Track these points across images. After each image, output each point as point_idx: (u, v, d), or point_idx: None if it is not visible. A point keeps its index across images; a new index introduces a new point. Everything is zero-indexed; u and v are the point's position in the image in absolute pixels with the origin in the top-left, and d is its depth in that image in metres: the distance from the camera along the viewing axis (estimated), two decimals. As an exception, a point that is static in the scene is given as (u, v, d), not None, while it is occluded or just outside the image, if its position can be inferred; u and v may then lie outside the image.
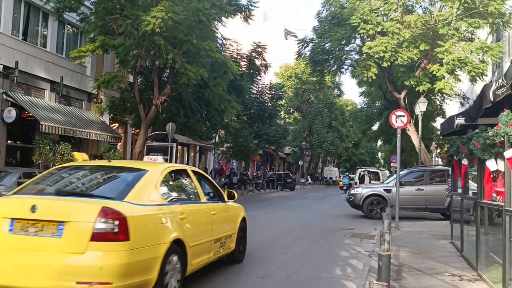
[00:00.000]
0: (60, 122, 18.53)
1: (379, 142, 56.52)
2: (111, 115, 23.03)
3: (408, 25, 21.76)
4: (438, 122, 28.46)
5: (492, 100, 5.45)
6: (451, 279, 7.05)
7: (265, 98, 36.34)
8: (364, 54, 22.70)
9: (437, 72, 21.45)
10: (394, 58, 21.54)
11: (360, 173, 30.22)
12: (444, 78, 22.22)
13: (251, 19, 22.90)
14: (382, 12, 22.93)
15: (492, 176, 6.50)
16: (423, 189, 16.54)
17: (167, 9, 15.48)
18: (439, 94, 27.42)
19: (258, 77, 33.90)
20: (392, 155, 37.96)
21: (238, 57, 31.09)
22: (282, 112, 48.07)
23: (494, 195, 6.52)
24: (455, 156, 8.87)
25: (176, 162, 22.28)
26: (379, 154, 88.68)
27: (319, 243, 11.07)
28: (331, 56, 26.13)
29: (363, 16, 21.96)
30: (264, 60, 32.54)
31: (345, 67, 27.44)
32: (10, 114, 17.27)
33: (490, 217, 7.29)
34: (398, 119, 13.62)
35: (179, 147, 23.26)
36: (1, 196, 7.36)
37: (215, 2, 18.08)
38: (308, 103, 53.86)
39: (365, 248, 10.22)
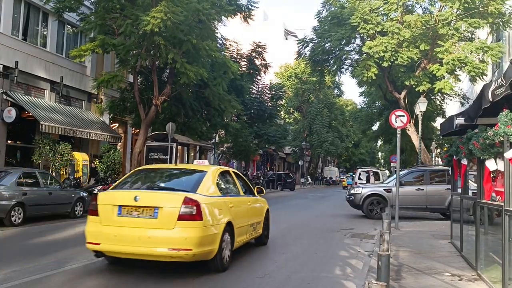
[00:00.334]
0: (60, 122, 18.53)
1: (379, 142, 56.53)
2: (111, 115, 23.04)
3: (408, 25, 21.77)
4: (438, 122, 28.45)
5: (491, 100, 5.44)
6: (451, 279, 7.05)
7: (265, 98, 36.37)
8: (364, 54, 22.72)
9: (437, 72, 21.47)
10: (394, 58, 21.56)
11: (360, 173, 30.21)
12: (444, 78, 22.24)
13: (251, 19, 22.89)
14: (382, 12, 22.95)
15: (491, 176, 6.51)
16: (423, 189, 16.53)
17: (166, 9, 15.48)
18: (439, 94, 27.44)
19: (258, 77, 33.93)
20: (392, 155, 37.97)
21: (238, 57, 31.12)
22: (282, 112, 48.09)
23: (493, 195, 6.52)
24: (454, 156, 8.87)
25: (176, 162, 22.28)
26: (379, 154, 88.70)
27: (319, 243, 11.07)
28: (331, 56, 26.16)
29: (363, 16, 21.98)
30: (264, 60, 32.56)
31: (345, 67, 27.49)
32: (10, 114, 17.28)
33: (490, 217, 7.29)
34: (398, 119, 13.62)
35: (179, 147, 23.23)
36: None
37: (215, 2, 18.07)
38: (308, 103, 53.85)
39: (365, 248, 10.22)
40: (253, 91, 34.36)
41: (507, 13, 20.82)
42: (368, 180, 27.79)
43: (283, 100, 42.65)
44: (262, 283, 6.82)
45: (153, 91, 19.90)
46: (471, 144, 6.64)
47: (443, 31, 20.88)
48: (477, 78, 21.27)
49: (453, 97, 29.65)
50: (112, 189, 7.74)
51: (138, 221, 6.72)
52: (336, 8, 24.76)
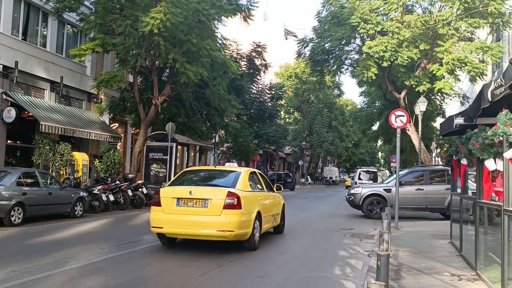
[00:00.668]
0: (60, 122, 18.54)
1: (379, 142, 56.51)
2: (111, 115, 23.05)
3: (408, 25, 21.78)
4: (438, 122, 28.43)
5: (490, 100, 5.44)
6: (450, 278, 7.05)
7: (265, 98, 36.40)
8: (364, 54, 22.72)
9: (437, 72, 21.47)
10: (394, 57, 21.57)
11: (359, 173, 30.15)
12: (444, 78, 22.24)
13: (250, 19, 22.93)
14: (382, 12, 22.97)
15: (491, 176, 6.51)
16: (423, 189, 16.53)
17: (165, 10, 15.48)
18: (439, 94, 27.45)
19: (258, 77, 33.97)
20: (392, 155, 37.97)
21: (238, 57, 31.16)
22: (282, 112, 48.10)
23: (493, 195, 6.52)
24: (454, 156, 8.87)
25: (176, 162, 22.29)
26: (379, 154, 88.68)
27: (318, 242, 11.07)
28: (331, 56, 26.17)
29: (363, 15, 21.99)
30: (264, 60, 32.59)
31: (345, 67, 27.52)
32: (10, 114, 17.28)
33: (489, 216, 7.29)
34: (398, 119, 13.62)
35: (179, 147, 23.25)
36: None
37: (215, 2, 18.10)
38: (308, 103, 53.85)
39: (365, 248, 10.22)
40: (253, 91, 34.39)
41: (507, 13, 20.83)
42: (375, 180, 27.61)
43: (283, 100, 42.67)
44: (262, 283, 6.81)
45: (153, 91, 19.93)
46: (470, 144, 6.64)
47: (443, 31, 20.89)
48: (477, 78, 21.27)
49: (453, 97, 29.65)
50: (169, 185, 9.81)
51: (193, 210, 8.75)
52: (336, 8, 24.77)
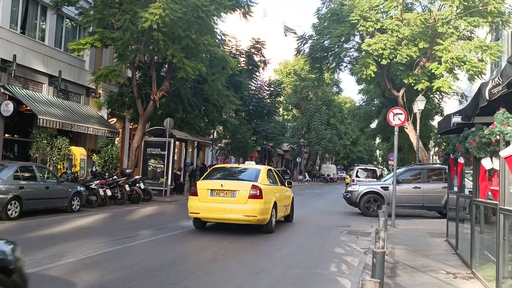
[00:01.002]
0: (58, 116, 18.50)
1: (377, 140, 56.54)
2: (109, 109, 23.01)
3: (408, 23, 21.77)
4: (436, 120, 28.45)
5: (488, 98, 5.44)
6: (445, 276, 7.07)
7: (264, 94, 36.37)
8: (363, 52, 22.69)
9: (435, 70, 21.47)
10: (393, 55, 21.56)
11: (357, 171, 30.12)
12: (442, 77, 22.23)
13: (250, 15, 22.83)
14: (382, 10, 22.93)
15: (487, 174, 6.52)
16: (420, 187, 16.55)
17: (164, 5, 15.44)
18: (437, 92, 27.46)
19: (257, 73, 33.94)
20: (390, 153, 38.00)
21: (237, 53, 31.11)
22: (280, 109, 48.07)
23: (489, 193, 6.53)
24: (451, 155, 8.88)
25: (173, 157, 22.27)
26: (377, 152, 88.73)
27: (315, 239, 11.09)
28: (330, 53, 26.14)
29: (362, 13, 21.96)
30: (263, 56, 32.55)
31: (344, 64, 27.50)
32: (8, 108, 17.23)
33: (485, 215, 7.30)
34: (396, 117, 13.63)
35: (177, 142, 23.24)
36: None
37: (215, -2, 18.07)
38: (307, 100, 53.83)
39: (361, 245, 10.24)
40: (251, 88, 34.36)
41: (507, 12, 20.81)
42: (376, 177, 27.55)
43: (282, 96, 42.63)
44: (257, 278, 6.83)
45: (152, 86, 19.90)
46: (467, 142, 6.65)
47: (443, 29, 20.87)
48: (476, 77, 21.26)
49: (451, 95, 29.68)
50: (202, 179, 11.88)
51: (224, 199, 10.82)
52: (335, 5, 24.74)
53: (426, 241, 10.80)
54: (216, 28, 21.37)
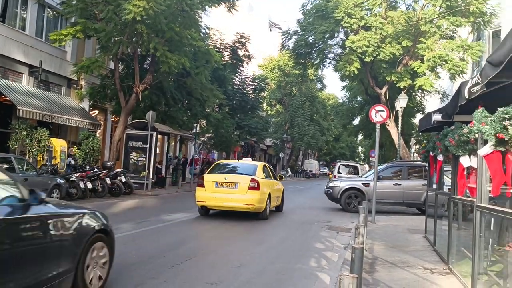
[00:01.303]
0: (38, 107, 18.22)
1: (360, 137, 56.88)
2: (91, 101, 22.73)
3: (392, 21, 21.93)
4: (418, 118, 28.76)
5: (467, 97, 5.51)
6: (423, 272, 7.18)
7: (248, 89, 36.29)
8: (347, 48, 22.81)
9: (418, 68, 21.69)
10: (377, 53, 21.71)
11: (339, 167, 30.30)
12: (425, 75, 22.48)
13: (235, 9, 22.73)
14: (366, 7, 23.07)
15: (465, 172, 6.61)
16: (400, 184, 16.72)
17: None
18: (419, 90, 27.73)
19: (241, 68, 33.86)
20: (371, 150, 38.29)
21: (221, 47, 30.99)
22: (264, 104, 48.06)
23: (467, 191, 6.63)
24: (431, 152, 8.99)
25: (156, 151, 22.14)
26: (360, 148, 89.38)
27: (295, 234, 11.14)
28: (314, 49, 26.21)
29: (347, 10, 22.07)
30: (247, 51, 32.49)
31: (328, 60, 27.59)
32: (-14, 98, 16.91)
33: (463, 212, 7.42)
34: (378, 114, 13.74)
35: (159, 136, 23.07)
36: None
37: (199, -9, 17.94)
38: (291, 96, 53.92)
39: (341, 241, 10.32)
40: (235, 82, 34.27)
41: (488, 13, 21.09)
42: (356, 173, 27.77)
43: (266, 92, 42.62)
44: (237, 273, 6.84)
45: (134, 79, 19.73)
46: (447, 140, 6.74)
47: (425, 28, 21.08)
48: (457, 76, 21.55)
49: (433, 94, 30.02)
50: (207, 173, 13.50)
51: (227, 190, 12.57)
52: (320, 1, 24.80)
53: (405, 237, 10.94)
54: (201, 22, 21.28)
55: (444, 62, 20.85)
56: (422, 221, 11.70)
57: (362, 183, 17.24)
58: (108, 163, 18.36)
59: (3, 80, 17.98)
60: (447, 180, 9.84)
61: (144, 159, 20.94)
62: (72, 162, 18.60)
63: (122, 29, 17.89)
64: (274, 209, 14.73)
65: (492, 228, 6.18)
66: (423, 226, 11.36)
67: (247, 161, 15.02)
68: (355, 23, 22.03)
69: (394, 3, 24.17)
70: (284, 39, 27.72)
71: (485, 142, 5.31)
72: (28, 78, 19.52)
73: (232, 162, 15.54)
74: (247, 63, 33.39)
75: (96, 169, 17.34)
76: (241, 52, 32.46)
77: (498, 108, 4.44)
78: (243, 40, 31.97)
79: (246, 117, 35.21)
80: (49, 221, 4.53)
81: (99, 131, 23.35)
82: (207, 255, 8.03)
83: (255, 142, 47.17)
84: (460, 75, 21.39)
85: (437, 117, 7.86)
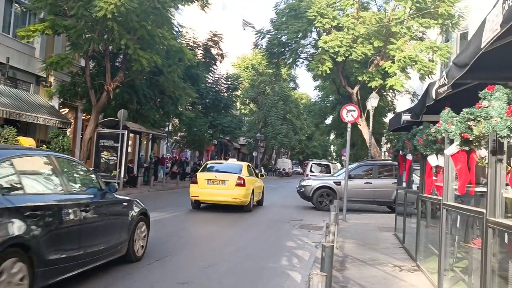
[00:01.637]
0: (5, 104, 17.75)
1: (332, 136, 57.43)
2: (61, 99, 22.29)
3: (363, 22, 22.21)
4: (389, 118, 29.19)
5: (434, 98, 5.62)
6: (392, 269, 7.30)
7: (221, 88, 36.21)
8: (320, 48, 22.99)
9: (389, 68, 22.03)
10: (349, 53, 21.96)
11: (311, 165, 30.56)
12: (395, 75, 22.85)
13: (208, 7, 22.64)
14: (339, 7, 23.29)
15: (433, 171, 6.75)
16: (371, 183, 16.97)
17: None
18: (390, 90, 28.14)
19: (214, 66, 33.76)
20: (343, 149, 38.66)
21: (194, 45, 30.84)
22: (237, 103, 48.03)
23: (434, 189, 6.77)
24: (400, 151, 9.14)
25: (127, 150, 21.88)
26: (332, 147, 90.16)
27: (267, 233, 11.18)
28: (287, 49, 26.34)
29: (320, 9, 22.25)
30: (221, 49, 32.40)
31: (301, 60, 27.78)
32: (-49, 95, 16.39)
33: (432, 210, 7.57)
34: (349, 113, 13.90)
35: (131, 134, 22.80)
36: None
37: (172, -11, 17.80)
38: (264, 95, 54.03)
39: (313, 239, 10.40)
40: (208, 81, 34.15)
41: (456, 15, 21.58)
42: (328, 172, 28.04)
43: (239, 91, 42.60)
44: (206, 273, 6.81)
45: (106, 77, 19.44)
46: (415, 140, 6.86)
47: (396, 29, 21.43)
48: (426, 76, 21.99)
49: (403, 94, 30.52)
50: (200, 172, 15.50)
51: (217, 187, 14.52)
52: (293, 1, 24.93)
53: (375, 235, 11.10)
54: (174, 20, 21.11)
55: (414, 63, 21.24)
56: (392, 219, 11.89)
57: (334, 182, 17.42)
58: (78, 162, 18.03)
59: (-32, 76, 17.47)
60: (417, 179, 10.04)
61: (115, 158, 20.66)
62: None
63: (93, 26, 17.60)
64: (255, 203, 16.33)
65: (458, 225, 6.34)
66: (393, 224, 11.54)
67: (233, 161, 17.98)
68: (328, 23, 22.23)
69: (365, 4, 24.52)
70: (257, 38, 27.77)
71: (451, 141, 5.43)
72: (-5, 75, 19.00)
73: (221, 162, 17.77)
74: (220, 61, 33.31)
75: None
76: (214, 51, 32.36)
77: (463, 109, 4.54)
78: (216, 38, 31.88)
79: (220, 116, 35.13)
80: (118, 204, 6.78)
81: (69, 129, 22.91)
82: (178, 255, 7.98)
83: (228, 141, 47.18)
84: (429, 75, 21.83)
85: (406, 117, 8.01)
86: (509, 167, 3.65)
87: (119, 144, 20.44)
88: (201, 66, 30.02)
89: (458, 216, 6.11)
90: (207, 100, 33.39)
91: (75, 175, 6.32)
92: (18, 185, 4.81)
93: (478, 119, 3.99)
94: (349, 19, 22.28)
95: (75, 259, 5.36)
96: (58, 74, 21.24)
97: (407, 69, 22.41)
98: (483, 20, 3.54)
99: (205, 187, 14.53)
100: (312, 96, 55.00)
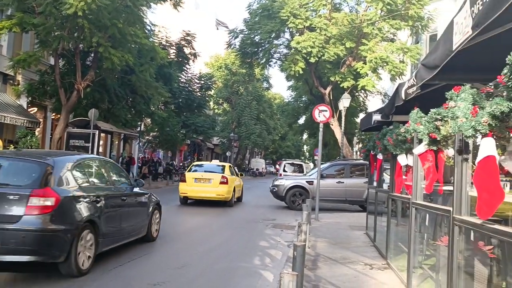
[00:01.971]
0: (-29, 103, 17.25)
1: (305, 136, 57.78)
2: (29, 98, 21.76)
3: (336, 22, 22.42)
4: (361, 118, 29.53)
5: (404, 98, 5.73)
6: (362, 268, 7.39)
7: (194, 87, 36.01)
8: (293, 49, 23.11)
9: (361, 69, 22.29)
10: (321, 53, 22.13)
11: (284, 165, 30.65)
12: (367, 76, 23.14)
13: (180, 6, 22.48)
14: (312, 8, 23.44)
15: (403, 170, 6.87)
16: (343, 182, 17.14)
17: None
18: (362, 90, 28.51)
19: (187, 66, 33.53)
20: (316, 148, 38.96)
21: (167, 44, 30.55)
22: (211, 103, 47.85)
23: (404, 188, 6.88)
24: (371, 151, 9.26)
25: (98, 149, 21.55)
26: (305, 147, 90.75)
27: (240, 233, 11.18)
28: (260, 49, 26.38)
29: (292, 10, 22.36)
30: (193, 49, 32.19)
31: (274, 60, 27.86)
32: None
33: (402, 209, 7.70)
34: (321, 113, 14.01)
35: (102, 134, 22.48)
36: None
37: (143, -13, 17.59)
38: (237, 95, 53.98)
39: (285, 239, 10.45)
40: (181, 80, 33.90)
41: (426, 17, 21.99)
42: (301, 171, 28.18)
43: (212, 90, 42.44)
44: (180, 274, 6.77)
45: (76, 75, 19.08)
46: (385, 139, 6.96)
47: (368, 30, 21.70)
48: (397, 77, 22.34)
49: (375, 94, 30.97)
50: (187, 172, 17.51)
51: (203, 185, 16.44)
52: (266, 1, 24.99)
53: (346, 234, 11.22)
54: (146, 18, 20.86)
55: (385, 64, 21.56)
56: (364, 218, 12.05)
57: (306, 181, 17.54)
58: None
59: None
60: (387, 178, 10.19)
61: (86, 158, 20.29)
62: None
63: (62, 23, 17.24)
64: (235, 200, 18.09)
65: (427, 224, 6.46)
66: (364, 223, 11.70)
67: (216, 162, 20.16)
68: (300, 23, 22.36)
69: (338, 5, 24.75)
70: (230, 37, 27.73)
71: (420, 141, 5.54)
72: (-40, 73, 18.43)
73: (206, 163, 19.79)
74: (193, 61, 33.11)
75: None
76: (187, 50, 32.13)
77: (431, 109, 4.63)
78: (189, 38, 31.65)
79: (193, 116, 34.93)
80: (142, 196, 8.82)
81: (38, 129, 22.39)
82: (151, 256, 7.90)
83: (201, 141, 46.96)
84: (400, 76, 22.18)
85: (377, 117, 8.13)
86: (474, 166, 3.74)
87: (90, 144, 20.12)
88: (173, 66, 29.76)
89: (427, 215, 6.24)
90: (180, 100, 33.14)
91: (115, 173, 8.29)
92: (86, 180, 7.04)
93: (445, 119, 4.07)
94: (322, 20, 22.46)
95: (118, 234, 7.58)
96: (26, 73, 20.75)
97: (378, 70, 22.72)
98: (450, 22, 3.62)
99: (193, 185, 16.46)
100: (285, 96, 55.25)
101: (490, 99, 3.28)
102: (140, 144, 33.18)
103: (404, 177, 6.86)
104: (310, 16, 23.10)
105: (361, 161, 18.41)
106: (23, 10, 17.10)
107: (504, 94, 3.02)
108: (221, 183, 16.36)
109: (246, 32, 26.05)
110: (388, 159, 8.22)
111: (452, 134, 3.97)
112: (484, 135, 3.30)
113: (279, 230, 11.85)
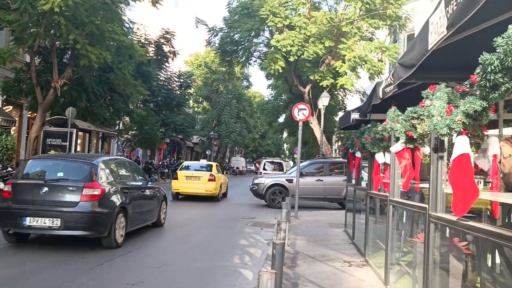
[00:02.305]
0: None
1: (285, 134, 57.98)
2: (4, 96, 21.35)
3: (315, 21, 22.52)
4: (340, 116, 29.72)
5: (381, 97, 5.78)
6: (341, 265, 7.45)
7: (174, 85, 35.80)
8: (272, 47, 23.15)
9: (340, 68, 22.42)
10: (301, 52, 22.20)
11: (264, 164, 30.64)
12: (346, 74, 23.30)
13: (159, 3, 22.27)
14: (291, 6, 23.50)
15: (380, 168, 6.94)
16: (322, 180, 17.26)
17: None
18: (341, 89, 28.69)
19: (166, 64, 33.32)
20: (295, 147, 39.11)
21: (146, 42, 30.28)
22: (190, 101, 47.62)
23: (381, 186, 6.96)
24: (350, 149, 9.34)
25: (76, 148, 21.26)
26: (285, 145, 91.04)
27: (220, 232, 11.16)
28: (240, 47, 26.33)
29: (272, 8, 22.38)
30: (173, 47, 32.00)
31: (254, 59, 27.87)
32: None
33: (380, 206, 7.78)
34: (300, 112, 14.07)
35: (80, 133, 22.17)
36: None
37: (121, -16, 17.40)
38: (217, 93, 53.82)
39: (265, 237, 10.47)
40: (161, 78, 33.69)
41: (403, 17, 22.26)
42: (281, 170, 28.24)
43: (192, 88, 42.25)
44: (159, 273, 6.72)
45: (52, 73, 18.77)
46: (363, 138, 7.03)
47: (347, 29, 21.84)
48: (375, 76, 22.54)
49: (354, 93, 31.21)
50: (179, 170, 19.27)
51: (194, 182, 18.34)
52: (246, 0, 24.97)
53: (326, 231, 11.30)
54: (124, 16, 20.64)
55: (363, 62, 21.74)
56: (343, 216, 12.14)
57: (286, 179, 17.60)
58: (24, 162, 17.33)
59: None
60: (365, 176, 10.29)
61: (63, 157, 20.00)
62: None
63: (38, 20, 16.94)
64: (221, 195, 19.87)
65: (404, 221, 6.54)
66: (343, 220, 11.79)
67: (204, 162, 22.43)
68: (280, 22, 22.40)
69: (317, 4, 24.85)
70: (210, 35, 27.64)
71: (397, 139, 5.60)
72: None
73: (196, 163, 21.81)
74: (172, 59, 32.91)
75: (10, 168, 16.32)
76: (166, 48, 31.91)
77: (408, 108, 4.68)
78: (168, 36, 31.44)
79: (172, 114, 34.73)
80: (154, 190, 10.66)
81: (14, 128, 22.00)
82: (131, 256, 7.83)
83: (181, 140, 46.66)
84: (378, 75, 22.40)
85: (355, 116, 8.20)
86: (449, 163, 3.80)
87: (68, 143, 19.84)
88: (152, 64, 29.53)
89: (404, 212, 6.32)
90: (159, 98, 32.91)
91: (135, 170, 10.35)
92: (118, 176, 9.20)
93: (421, 117, 4.12)
94: (301, 19, 22.54)
95: (139, 218, 9.55)
96: (1, 70, 20.34)
97: (357, 68, 22.89)
98: (426, 22, 3.66)
99: (184, 182, 18.44)
100: (265, 95, 55.26)
101: (465, 98, 3.33)
102: (119, 142, 32.87)
103: (381, 175, 6.94)
104: (289, 14, 23.16)
105: (340, 159, 18.59)
106: (-3, 6, 16.75)
107: (477, 93, 3.07)
108: (210, 180, 18.27)
109: (226, 30, 26.00)
110: (366, 157, 8.31)
111: (428, 132, 4.03)
112: (459, 134, 3.36)
113: (259, 228, 11.87)
